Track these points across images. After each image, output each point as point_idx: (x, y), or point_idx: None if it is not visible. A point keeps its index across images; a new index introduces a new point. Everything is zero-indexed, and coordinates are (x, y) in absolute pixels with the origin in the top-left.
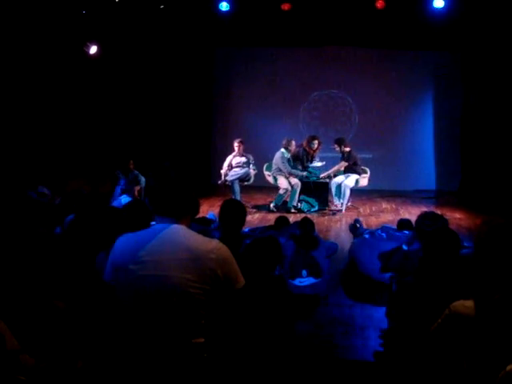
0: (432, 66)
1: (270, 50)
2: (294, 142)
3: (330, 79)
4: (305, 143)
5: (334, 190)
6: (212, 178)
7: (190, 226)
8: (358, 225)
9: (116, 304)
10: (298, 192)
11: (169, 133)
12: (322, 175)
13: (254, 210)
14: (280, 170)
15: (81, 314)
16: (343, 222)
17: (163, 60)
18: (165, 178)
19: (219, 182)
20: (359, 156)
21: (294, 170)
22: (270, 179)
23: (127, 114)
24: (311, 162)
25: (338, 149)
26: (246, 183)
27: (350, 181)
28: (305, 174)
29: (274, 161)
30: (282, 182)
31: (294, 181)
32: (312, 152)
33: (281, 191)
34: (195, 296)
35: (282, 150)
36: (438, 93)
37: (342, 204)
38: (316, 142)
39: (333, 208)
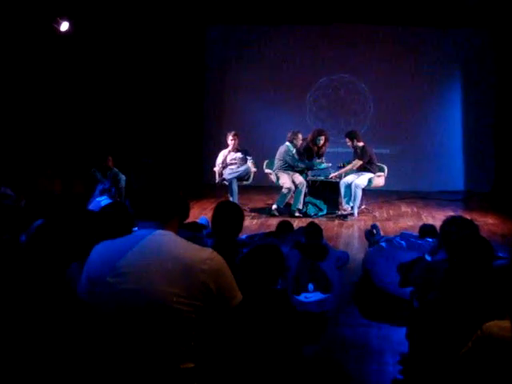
0: (461, 47)
1: (269, 29)
2: (300, 136)
3: (341, 62)
4: (309, 138)
5: (343, 190)
6: (204, 176)
7: (177, 232)
8: (374, 231)
9: (92, 324)
10: (303, 193)
11: (154, 125)
12: (332, 175)
13: (253, 214)
14: (283, 167)
15: (50, 335)
16: (355, 227)
17: (146, 40)
18: (148, 176)
19: (216, 181)
20: (374, 151)
21: (301, 163)
22: (272, 177)
23: (105, 103)
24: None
25: (349, 143)
26: (244, 182)
27: (361, 180)
28: (314, 164)
29: (277, 156)
30: (285, 181)
31: (299, 179)
32: (316, 149)
33: (284, 191)
34: (184, 314)
35: (287, 143)
36: (467, 78)
37: (352, 207)
38: (322, 138)
39: (343, 212)
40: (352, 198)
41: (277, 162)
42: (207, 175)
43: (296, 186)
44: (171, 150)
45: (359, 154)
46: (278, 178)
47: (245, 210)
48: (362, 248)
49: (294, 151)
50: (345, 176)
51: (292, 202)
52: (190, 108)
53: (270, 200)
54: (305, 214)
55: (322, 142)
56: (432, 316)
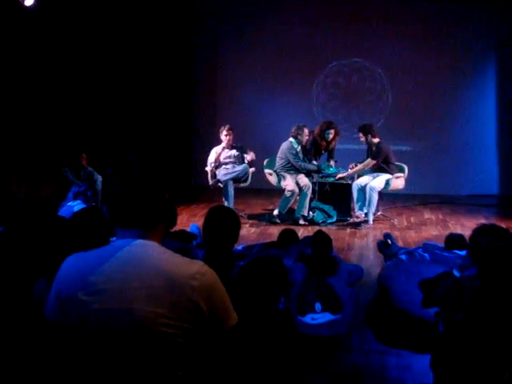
0: (497, 25)
1: (269, 4)
2: (306, 130)
3: (354, 44)
4: (317, 131)
5: (355, 194)
6: (194, 177)
7: (163, 243)
8: (389, 241)
9: (63, 349)
10: (309, 197)
11: (135, 117)
12: (340, 175)
13: (251, 221)
14: (286, 167)
15: (14, 361)
16: (371, 237)
17: (125, 16)
18: (129, 175)
19: (211, 183)
20: (393, 149)
21: (305, 164)
22: (272, 179)
23: (77, 91)
24: (318, 159)
25: (363, 139)
26: (241, 185)
27: (377, 182)
28: (320, 167)
29: (278, 154)
30: (288, 183)
31: (304, 181)
32: (324, 145)
33: (286, 194)
34: (170, 337)
35: (291, 139)
36: (503, 64)
37: (367, 213)
38: (332, 131)
39: (356, 219)
40: (366, 203)
41: (278, 161)
42: (198, 176)
43: (301, 189)
44: (156, 147)
45: (374, 151)
46: (279, 180)
47: (241, 217)
48: (377, 261)
49: (299, 149)
50: (358, 177)
51: (296, 207)
52: (177, 97)
53: (270, 205)
54: (311, 222)
55: (331, 136)
56: (460, 341)
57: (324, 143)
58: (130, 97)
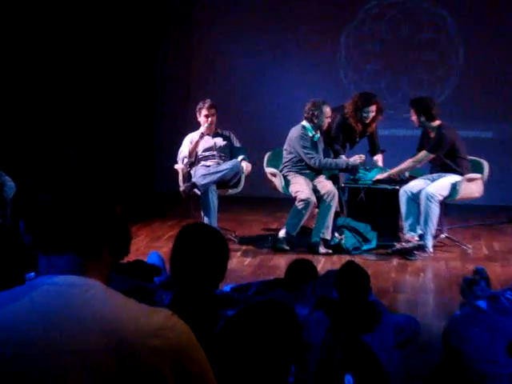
0: None
1: None
2: (327, 109)
3: None
4: (349, 109)
5: (404, 205)
6: (156, 182)
7: (110, 280)
8: (478, 277)
9: None
10: (333, 210)
11: (70, 99)
12: (378, 176)
13: (244, 248)
14: (296, 165)
15: None
16: (429, 273)
17: None
18: (60, 176)
19: (182, 188)
20: (463, 137)
21: (326, 161)
22: (277, 182)
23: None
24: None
25: (414, 118)
26: (230, 191)
27: (438, 188)
28: (350, 162)
29: (285, 146)
30: (300, 189)
31: (326, 187)
32: (361, 128)
33: (298, 206)
34: None
35: (304, 123)
36: None
37: (423, 236)
38: (373, 108)
39: (407, 244)
40: (422, 220)
41: (285, 156)
42: (163, 178)
43: (320, 198)
44: (101, 132)
45: (432, 140)
46: (286, 184)
47: (230, 241)
48: (442, 310)
49: (316, 136)
50: (406, 181)
51: (313, 226)
52: (135, 72)
53: (274, 223)
54: (337, 248)
55: (371, 115)
56: None
57: (360, 126)
58: (66, 71)
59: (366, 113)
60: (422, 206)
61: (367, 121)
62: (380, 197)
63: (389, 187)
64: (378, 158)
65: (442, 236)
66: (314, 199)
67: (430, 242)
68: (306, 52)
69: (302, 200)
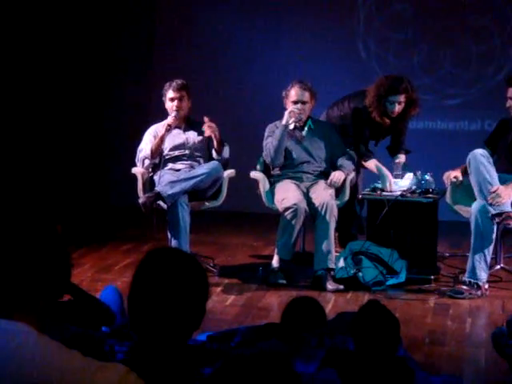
0: None
1: None
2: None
3: None
4: (370, 96)
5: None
6: (111, 195)
7: (46, 325)
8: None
9: None
10: (332, 226)
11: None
12: (503, 188)
13: (227, 281)
14: (287, 168)
15: None
16: (482, 318)
17: None
18: None
19: (142, 200)
20: None
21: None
22: (261, 189)
23: None
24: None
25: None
26: (207, 204)
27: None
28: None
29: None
30: (285, 196)
31: (321, 197)
32: (388, 124)
33: (286, 217)
34: None
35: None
36: None
37: (473, 267)
38: (401, 98)
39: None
40: (471, 245)
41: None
42: (118, 187)
43: (315, 212)
44: (41, 140)
45: None
46: (273, 195)
47: (208, 272)
48: (498, 368)
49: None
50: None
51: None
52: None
53: (265, 248)
54: (352, 283)
55: (398, 107)
56: None
57: (387, 121)
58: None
59: (391, 103)
60: (472, 225)
61: (393, 114)
62: (412, 212)
63: (424, 200)
64: (401, 160)
65: (498, 267)
66: (303, 205)
67: (483, 276)
68: (311, 17)
69: (287, 208)
